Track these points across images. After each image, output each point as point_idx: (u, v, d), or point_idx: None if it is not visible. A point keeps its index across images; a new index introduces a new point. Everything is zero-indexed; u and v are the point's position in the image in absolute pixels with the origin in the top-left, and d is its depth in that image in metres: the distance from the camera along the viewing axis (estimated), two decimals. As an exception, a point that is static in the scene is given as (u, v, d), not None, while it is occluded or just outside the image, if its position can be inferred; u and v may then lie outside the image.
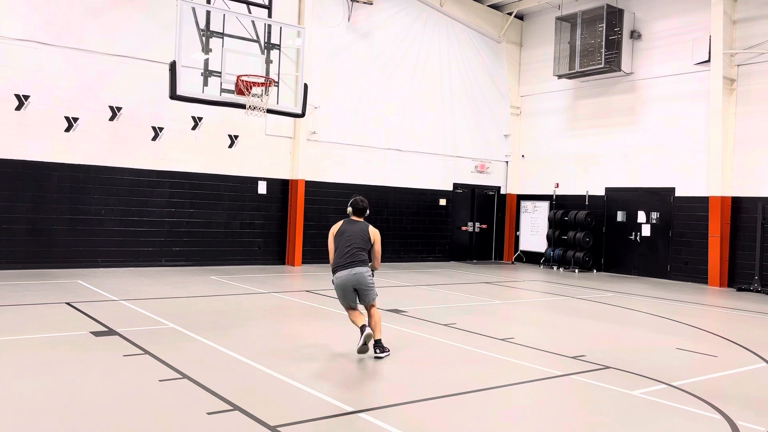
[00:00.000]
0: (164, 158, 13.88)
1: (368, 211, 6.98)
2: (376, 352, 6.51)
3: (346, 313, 6.80)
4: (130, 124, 13.44)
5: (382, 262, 7.26)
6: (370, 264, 6.78)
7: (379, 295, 7.03)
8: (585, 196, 18.01)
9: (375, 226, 7.16)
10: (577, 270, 17.43)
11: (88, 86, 12.95)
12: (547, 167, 19.17)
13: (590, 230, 17.48)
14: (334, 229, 6.84)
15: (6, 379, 5.35)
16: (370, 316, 6.68)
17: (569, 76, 17.75)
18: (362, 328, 6.44)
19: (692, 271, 15.53)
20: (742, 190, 14.82)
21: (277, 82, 10.81)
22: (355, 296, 6.71)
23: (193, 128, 14.26)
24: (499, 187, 20.02)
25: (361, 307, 6.80)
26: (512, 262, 19.69)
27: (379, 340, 6.59)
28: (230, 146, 14.81)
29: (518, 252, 19.87)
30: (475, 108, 19.24)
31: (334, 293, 10.83)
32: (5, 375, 5.48)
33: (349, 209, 6.94)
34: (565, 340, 7.99)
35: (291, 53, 11.51)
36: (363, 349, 6.41)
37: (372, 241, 6.77)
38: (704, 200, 15.22)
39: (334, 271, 6.69)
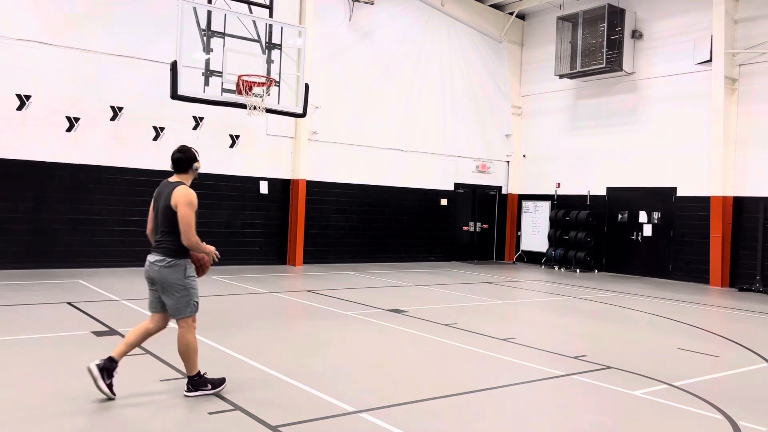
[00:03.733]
0: (165, 158, 13.74)
1: (196, 164, 5.04)
2: (185, 391, 4.93)
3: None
4: (131, 124, 13.45)
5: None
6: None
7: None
8: (586, 195, 18.00)
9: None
10: (578, 270, 17.42)
11: (89, 86, 12.96)
12: (548, 167, 19.16)
13: (592, 230, 17.47)
14: (155, 193, 5.04)
15: (6, 379, 5.36)
16: (177, 337, 4.95)
17: (570, 76, 17.74)
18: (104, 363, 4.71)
19: (694, 271, 15.51)
20: (743, 190, 14.80)
21: (278, 82, 10.85)
22: (157, 297, 4.97)
23: (194, 128, 14.26)
24: (501, 187, 20.01)
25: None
26: (513, 262, 19.68)
27: (192, 376, 4.93)
28: (231, 146, 14.81)
29: (519, 252, 19.86)
30: (477, 108, 19.23)
31: (335, 293, 10.90)
32: (6, 375, 5.48)
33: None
34: (567, 340, 7.98)
35: (292, 53, 11.52)
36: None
37: (173, 206, 4.78)
38: (706, 200, 15.20)
39: None
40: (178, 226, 4.76)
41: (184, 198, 4.79)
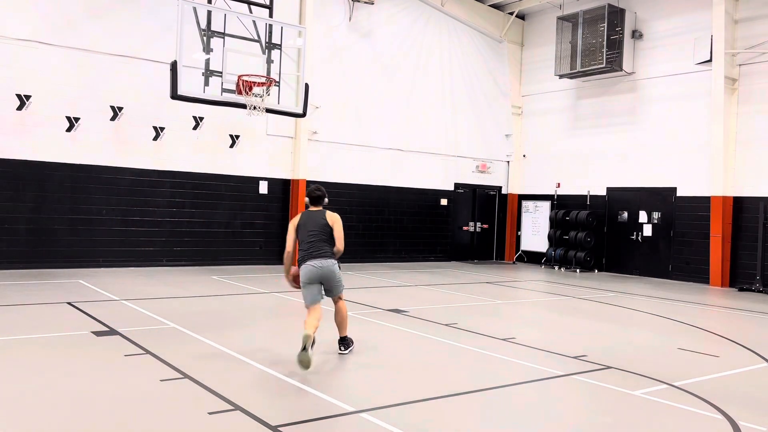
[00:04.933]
0: (165, 158, 13.88)
1: (326, 200, 6.80)
2: (340, 349, 6.57)
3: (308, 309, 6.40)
4: (131, 124, 13.44)
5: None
6: (334, 249, 6.56)
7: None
8: (586, 195, 18.00)
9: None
10: (578, 270, 17.42)
11: (89, 86, 12.96)
12: (548, 167, 19.16)
13: (592, 230, 17.47)
14: (295, 221, 6.66)
15: (7, 379, 5.36)
16: (336, 311, 6.65)
17: (570, 76, 17.73)
18: (305, 338, 5.84)
19: (694, 271, 15.51)
20: (743, 189, 14.80)
21: (278, 82, 10.83)
22: (320, 290, 6.48)
23: (194, 128, 14.26)
24: (501, 187, 20.01)
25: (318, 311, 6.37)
26: (513, 262, 19.68)
27: (345, 337, 6.65)
28: (231, 146, 14.81)
29: (519, 252, 19.86)
30: (477, 108, 19.23)
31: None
32: (6, 375, 5.48)
33: (306, 199, 6.86)
34: (567, 340, 7.98)
35: (292, 53, 11.51)
36: (303, 357, 5.75)
37: (331, 224, 6.56)
38: (706, 200, 15.20)
39: (299, 263, 6.47)
40: (334, 238, 6.53)
41: (339, 220, 6.62)
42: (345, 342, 6.63)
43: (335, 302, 6.70)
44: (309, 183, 15.66)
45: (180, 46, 9.82)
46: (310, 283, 6.40)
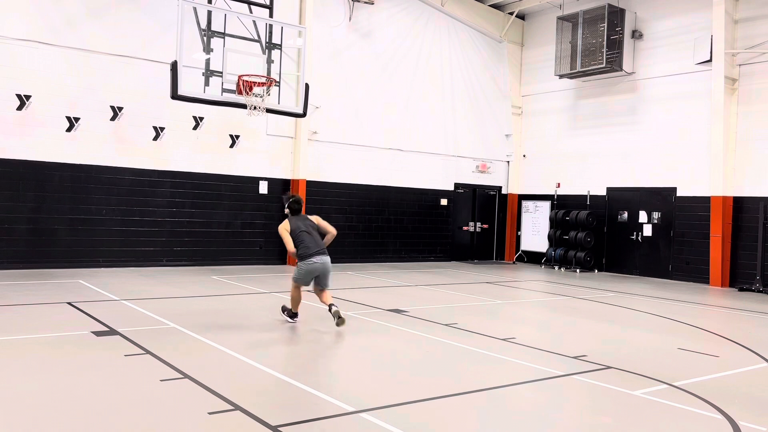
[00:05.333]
0: (165, 158, 13.88)
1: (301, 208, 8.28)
2: (330, 309, 7.70)
3: (293, 290, 8.10)
4: (131, 124, 13.45)
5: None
6: (329, 235, 8.13)
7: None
8: (586, 195, 18.00)
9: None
10: (578, 270, 17.42)
11: (89, 86, 12.96)
12: (548, 167, 19.16)
13: (591, 230, 17.47)
14: (288, 227, 7.94)
15: (7, 379, 5.36)
16: (324, 294, 7.94)
17: (570, 76, 17.74)
18: (291, 312, 8.24)
19: (694, 271, 15.51)
20: (743, 189, 14.80)
21: (279, 82, 10.83)
22: (312, 280, 7.97)
23: (195, 128, 14.26)
24: (501, 187, 20.01)
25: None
26: (513, 262, 19.68)
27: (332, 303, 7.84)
28: (231, 146, 14.81)
29: (519, 252, 19.86)
30: (477, 108, 19.23)
31: (334, 293, 10.86)
32: (6, 375, 5.48)
33: (287, 211, 8.18)
34: (567, 340, 7.98)
35: (292, 53, 11.53)
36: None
37: (317, 223, 8.15)
38: (706, 200, 15.20)
39: (302, 258, 7.84)
40: (324, 229, 8.11)
41: (319, 216, 8.27)
42: (332, 303, 7.78)
43: (322, 291, 7.99)
44: (309, 183, 15.69)
45: (180, 46, 9.82)
46: (312, 276, 7.89)
